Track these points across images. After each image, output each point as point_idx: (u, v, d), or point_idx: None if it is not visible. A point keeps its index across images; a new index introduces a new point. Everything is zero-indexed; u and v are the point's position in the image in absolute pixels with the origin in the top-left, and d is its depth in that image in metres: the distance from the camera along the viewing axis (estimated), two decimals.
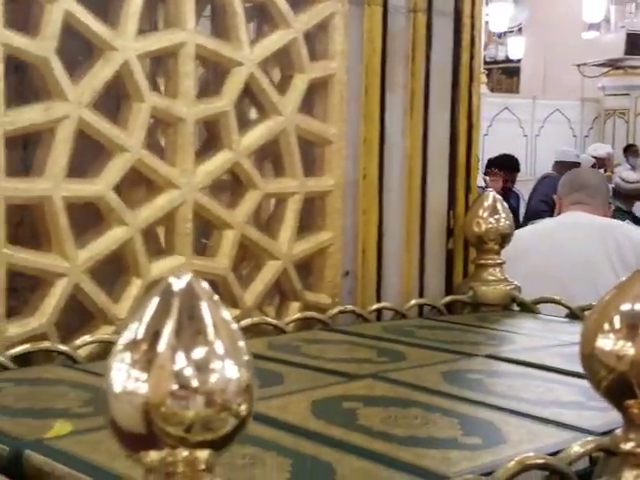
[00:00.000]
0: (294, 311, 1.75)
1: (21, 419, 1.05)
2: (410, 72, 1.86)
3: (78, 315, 1.52)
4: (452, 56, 1.93)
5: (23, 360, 1.36)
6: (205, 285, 0.60)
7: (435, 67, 1.90)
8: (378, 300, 1.85)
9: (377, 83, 1.80)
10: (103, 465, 0.88)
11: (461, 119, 1.96)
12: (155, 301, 0.59)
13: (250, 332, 1.60)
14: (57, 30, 1.39)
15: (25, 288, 1.48)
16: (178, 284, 0.58)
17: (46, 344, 1.40)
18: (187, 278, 0.59)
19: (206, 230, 1.69)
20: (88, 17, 1.43)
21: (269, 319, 1.66)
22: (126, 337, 0.58)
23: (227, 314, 0.60)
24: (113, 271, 1.57)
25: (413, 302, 1.87)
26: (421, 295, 1.93)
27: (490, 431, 1.05)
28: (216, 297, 0.60)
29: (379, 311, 1.84)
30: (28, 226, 1.48)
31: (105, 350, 1.49)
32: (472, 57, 1.96)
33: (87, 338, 1.44)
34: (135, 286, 1.54)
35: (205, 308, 0.58)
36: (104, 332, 1.49)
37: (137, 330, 0.58)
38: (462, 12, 1.93)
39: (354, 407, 1.12)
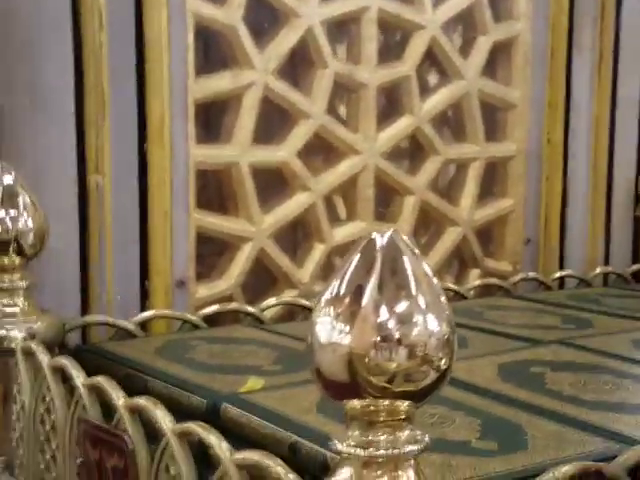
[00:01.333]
0: (474, 278, 1.73)
1: (216, 374, 1.09)
2: (598, 32, 1.79)
3: (262, 278, 1.56)
4: None
5: (212, 320, 1.41)
6: (407, 240, 0.60)
7: (625, 27, 1.82)
8: (561, 268, 1.81)
9: (563, 44, 1.75)
10: (295, 418, 0.91)
11: None
12: (357, 256, 0.59)
13: None
14: None
15: (210, 253, 1.53)
16: (381, 239, 0.59)
17: (234, 305, 1.44)
18: (389, 233, 0.59)
19: (385, 197, 1.69)
20: None
21: (450, 285, 1.65)
22: (329, 291, 0.59)
23: (429, 269, 0.60)
24: (296, 236, 1.60)
25: (598, 270, 1.82)
26: (606, 263, 1.87)
27: None
28: (417, 251, 0.60)
29: (562, 279, 1.80)
30: (212, 191, 1.53)
31: (289, 312, 1.53)
32: None
33: (272, 300, 1.48)
34: (318, 251, 1.57)
35: (407, 263, 0.58)
36: (288, 295, 1.52)
37: (340, 285, 0.59)
38: None
39: (541, 372, 1.10)
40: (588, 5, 1.77)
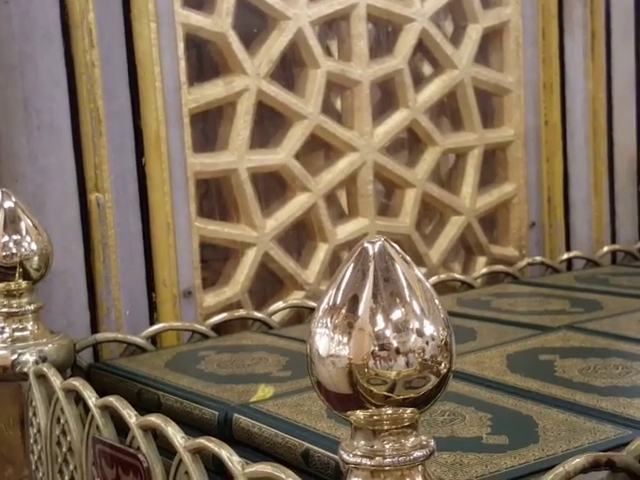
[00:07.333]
0: (480, 266, 1.73)
1: (226, 385, 1.10)
2: (589, 11, 1.78)
3: (268, 282, 1.56)
4: None
5: (220, 328, 1.41)
6: (396, 247, 0.60)
7: (616, 3, 1.81)
8: (567, 250, 1.81)
9: (554, 25, 1.74)
10: (307, 425, 0.91)
11: None
12: (351, 265, 0.59)
13: (437, 289, 1.58)
14: (232, 5, 1.42)
15: (215, 259, 1.53)
16: (371, 249, 0.59)
17: (242, 312, 1.44)
18: (379, 242, 0.59)
19: (386, 191, 1.69)
20: None
21: (457, 275, 1.65)
22: (325, 303, 0.59)
23: (420, 274, 0.60)
24: (299, 238, 1.61)
25: (606, 249, 1.82)
26: (613, 242, 1.87)
27: None
28: (408, 258, 0.60)
29: (569, 261, 1.80)
30: (212, 199, 1.53)
31: (297, 315, 1.53)
32: None
33: (280, 304, 1.48)
34: (322, 250, 1.57)
35: (399, 270, 0.59)
36: (294, 297, 1.53)
37: (336, 295, 0.59)
38: None
39: (551, 359, 1.10)
40: None
